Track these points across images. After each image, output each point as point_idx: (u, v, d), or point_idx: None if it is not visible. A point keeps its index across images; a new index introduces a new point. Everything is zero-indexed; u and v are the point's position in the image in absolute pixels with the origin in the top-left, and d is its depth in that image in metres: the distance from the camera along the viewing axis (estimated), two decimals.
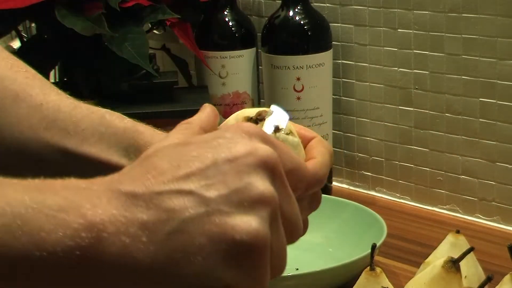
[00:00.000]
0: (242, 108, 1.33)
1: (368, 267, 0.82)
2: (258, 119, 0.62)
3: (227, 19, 1.35)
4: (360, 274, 0.83)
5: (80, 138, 0.69)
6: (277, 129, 0.62)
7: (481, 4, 1.12)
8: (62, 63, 1.24)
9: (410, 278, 0.86)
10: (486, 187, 1.17)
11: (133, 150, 0.68)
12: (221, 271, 0.48)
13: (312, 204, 0.64)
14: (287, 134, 0.63)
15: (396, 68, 1.24)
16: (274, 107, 0.63)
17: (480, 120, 1.16)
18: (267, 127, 0.62)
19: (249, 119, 0.63)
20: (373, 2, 1.25)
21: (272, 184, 0.51)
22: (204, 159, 0.50)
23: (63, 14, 1.14)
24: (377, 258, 1.02)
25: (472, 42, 1.14)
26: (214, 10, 1.35)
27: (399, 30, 1.22)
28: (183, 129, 0.58)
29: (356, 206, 1.10)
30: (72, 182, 0.49)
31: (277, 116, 0.63)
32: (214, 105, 1.35)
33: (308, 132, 0.66)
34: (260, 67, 1.34)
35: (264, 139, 0.53)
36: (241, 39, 1.35)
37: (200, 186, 0.49)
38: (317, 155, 0.63)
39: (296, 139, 0.63)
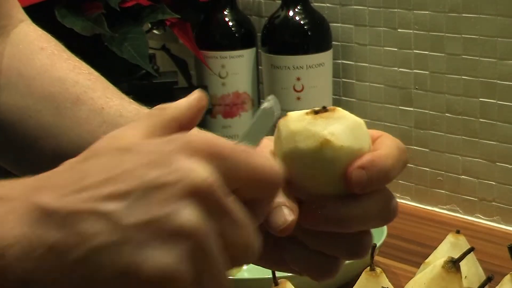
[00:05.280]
0: (242, 108, 1.33)
1: (368, 267, 0.82)
2: (318, 112, 0.57)
3: (227, 19, 1.35)
4: (360, 274, 0.83)
5: None
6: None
7: (481, 4, 1.12)
8: None
9: (410, 278, 0.86)
10: (486, 187, 1.17)
11: None
12: None
13: (382, 212, 0.57)
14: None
15: (396, 68, 1.24)
16: (271, 97, 0.57)
17: (480, 120, 1.16)
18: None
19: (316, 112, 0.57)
20: (373, 2, 1.25)
21: (205, 212, 0.45)
22: (134, 178, 0.45)
23: (63, 14, 1.14)
24: (377, 258, 1.02)
25: (472, 42, 1.14)
26: (214, 10, 1.35)
27: (399, 30, 1.22)
28: (151, 117, 0.52)
29: None
30: None
31: (267, 110, 0.56)
32: (214, 105, 1.36)
33: (375, 132, 0.60)
34: (260, 67, 1.34)
35: (213, 152, 0.47)
36: (241, 39, 1.35)
37: (119, 209, 0.44)
38: (382, 148, 0.56)
39: (358, 120, 0.57)
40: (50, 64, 0.73)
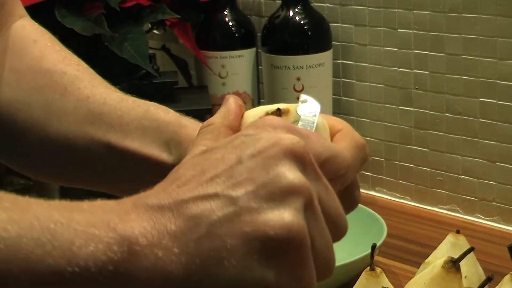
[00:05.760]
0: None
1: (368, 267, 0.82)
2: (278, 114, 0.58)
3: (227, 19, 1.35)
4: (360, 274, 0.83)
5: (123, 132, 0.68)
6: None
7: (481, 4, 1.12)
8: None
9: (410, 278, 0.86)
10: (486, 187, 1.17)
11: (174, 144, 0.66)
12: (259, 272, 0.45)
13: (345, 204, 0.58)
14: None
15: (396, 68, 1.24)
16: (305, 97, 0.59)
17: (480, 120, 1.16)
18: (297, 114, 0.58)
19: (271, 114, 0.58)
20: (373, 2, 1.25)
21: (303, 173, 0.47)
22: (228, 159, 0.48)
23: (63, 14, 1.14)
24: (377, 258, 1.02)
25: (472, 42, 1.14)
26: (214, 10, 1.35)
27: (399, 30, 1.22)
28: (208, 133, 0.56)
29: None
30: (99, 202, 0.47)
31: (307, 107, 0.58)
32: (214, 105, 1.36)
33: (337, 122, 0.61)
34: (260, 67, 1.34)
35: (290, 129, 0.50)
36: (241, 39, 1.35)
37: (226, 186, 0.46)
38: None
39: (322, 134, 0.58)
40: (41, 56, 0.74)
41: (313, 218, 0.47)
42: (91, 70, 0.75)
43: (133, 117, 0.69)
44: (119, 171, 0.69)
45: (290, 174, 0.47)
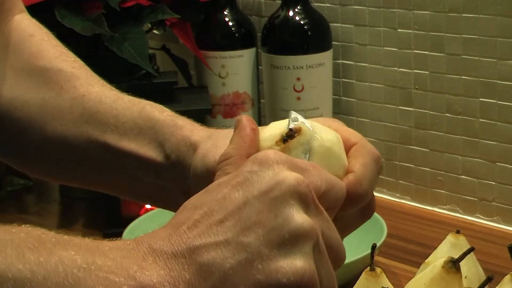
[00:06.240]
0: (242, 108, 1.34)
1: (368, 267, 0.82)
2: (292, 134, 0.58)
3: (227, 19, 1.35)
4: (360, 274, 0.83)
5: (119, 133, 0.68)
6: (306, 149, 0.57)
7: (481, 4, 1.12)
8: None
9: (410, 278, 0.86)
10: (486, 187, 1.17)
11: (170, 145, 0.66)
12: None
13: (363, 215, 0.60)
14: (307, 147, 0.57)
15: (396, 68, 1.24)
16: (293, 115, 0.58)
17: (480, 120, 1.16)
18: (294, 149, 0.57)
19: (285, 139, 0.57)
20: (373, 2, 1.25)
21: (307, 212, 0.48)
22: (235, 199, 0.48)
23: (63, 14, 1.14)
24: (377, 258, 1.02)
25: (472, 42, 1.14)
26: (214, 10, 1.35)
27: (399, 30, 1.22)
28: (228, 168, 0.55)
29: None
30: (119, 244, 0.48)
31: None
32: (214, 105, 1.36)
33: (351, 135, 0.61)
34: (260, 67, 1.34)
35: (291, 165, 0.50)
36: (241, 39, 1.35)
37: (236, 232, 0.47)
38: (356, 167, 0.59)
39: (327, 144, 0.58)
40: (37, 52, 0.74)
41: (320, 257, 0.48)
42: (87, 68, 0.75)
43: (128, 117, 0.69)
44: (117, 171, 0.69)
45: (298, 217, 0.47)
